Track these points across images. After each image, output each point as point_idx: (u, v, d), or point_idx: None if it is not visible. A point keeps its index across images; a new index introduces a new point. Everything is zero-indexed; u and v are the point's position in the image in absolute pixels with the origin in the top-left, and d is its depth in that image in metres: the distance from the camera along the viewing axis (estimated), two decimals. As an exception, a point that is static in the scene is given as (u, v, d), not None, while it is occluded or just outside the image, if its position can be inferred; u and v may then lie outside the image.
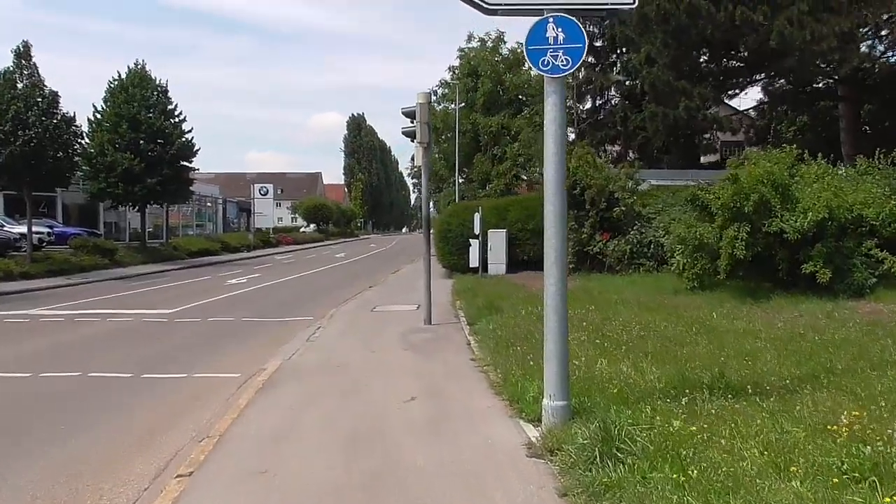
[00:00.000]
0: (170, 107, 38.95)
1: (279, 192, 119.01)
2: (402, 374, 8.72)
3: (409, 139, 11.90)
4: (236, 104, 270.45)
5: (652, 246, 18.05)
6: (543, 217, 5.81)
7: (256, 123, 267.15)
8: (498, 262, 21.66)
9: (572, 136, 44.44)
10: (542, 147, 5.80)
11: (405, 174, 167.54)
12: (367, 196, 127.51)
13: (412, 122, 11.74)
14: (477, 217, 20.25)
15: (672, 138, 25.35)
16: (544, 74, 5.71)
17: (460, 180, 47.85)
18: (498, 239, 21.68)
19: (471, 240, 21.46)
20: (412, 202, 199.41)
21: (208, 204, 64.25)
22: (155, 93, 38.58)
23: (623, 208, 18.29)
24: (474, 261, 20.72)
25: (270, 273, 30.72)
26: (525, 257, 22.32)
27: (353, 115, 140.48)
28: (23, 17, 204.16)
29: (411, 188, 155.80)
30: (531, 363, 7.87)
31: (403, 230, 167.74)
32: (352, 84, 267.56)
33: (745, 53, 19.75)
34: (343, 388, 8.15)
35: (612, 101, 41.57)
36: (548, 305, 5.79)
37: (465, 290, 16.75)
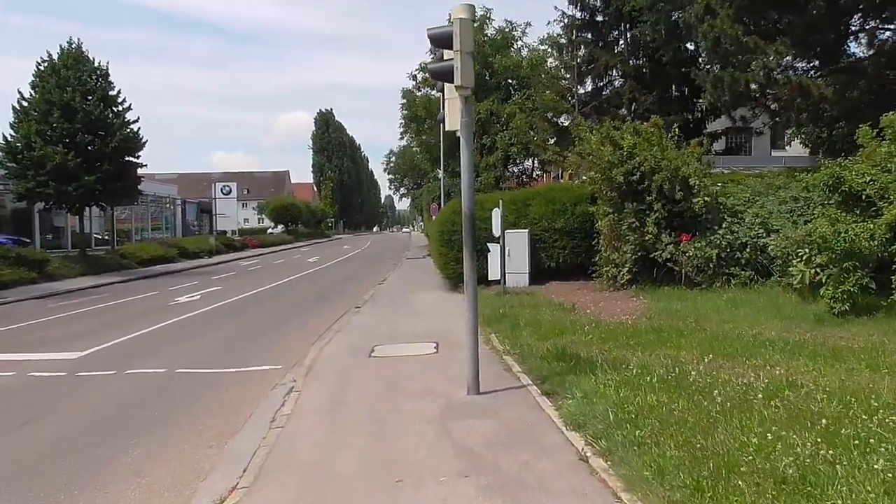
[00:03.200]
0: (111, 93, 33.65)
1: (245, 191, 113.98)
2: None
3: (435, 89, 7.19)
4: (202, 105, 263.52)
5: (748, 250, 13.42)
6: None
7: (223, 125, 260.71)
8: (518, 270, 16.94)
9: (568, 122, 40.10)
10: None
11: (376, 173, 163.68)
12: (337, 195, 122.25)
13: (442, 57, 6.98)
14: (497, 214, 15.51)
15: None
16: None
17: (442, 174, 42.94)
18: (518, 242, 16.94)
19: (489, 244, 16.75)
20: (383, 200, 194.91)
21: (166, 205, 58.57)
22: (93, 77, 33.22)
23: (706, 199, 13.65)
24: (494, 272, 16.03)
25: (231, 285, 25.66)
26: (552, 264, 17.63)
27: (321, 110, 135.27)
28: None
29: (386, 185, 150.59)
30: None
31: (375, 229, 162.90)
32: (318, 84, 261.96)
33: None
34: None
35: (615, 83, 37.30)
36: None
37: (496, 317, 11.98)
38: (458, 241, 17.95)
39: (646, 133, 14.43)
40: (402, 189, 76.47)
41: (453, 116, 7.17)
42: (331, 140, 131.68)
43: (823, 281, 10.14)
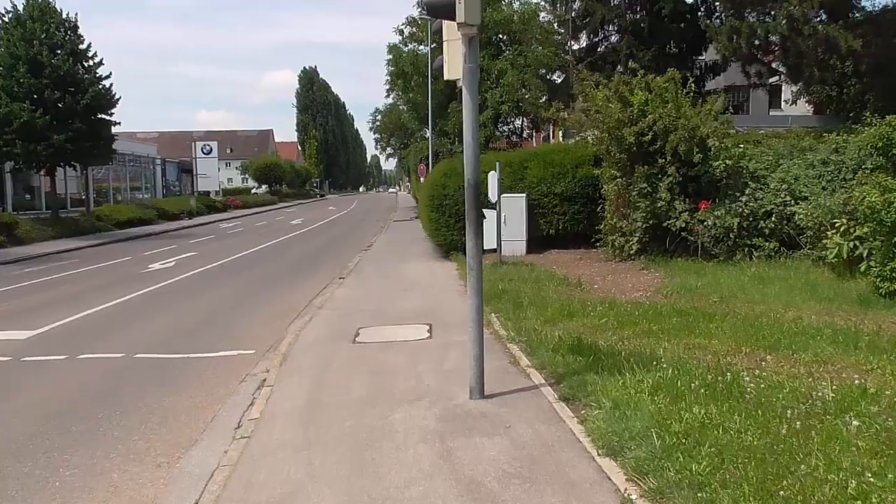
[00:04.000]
0: (81, 47, 31.80)
1: (228, 151, 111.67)
2: None
3: (432, 26, 5.80)
4: (185, 64, 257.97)
5: (773, 219, 12.20)
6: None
7: (206, 83, 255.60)
8: (515, 238, 15.71)
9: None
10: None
11: (362, 132, 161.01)
12: (322, 154, 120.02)
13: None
14: (493, 178, 14.19)
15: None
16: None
17: (430, 133, 41.36)
18: (515, 207, 15.68)
19: (484, 210, 15.49)
20: (369, 160, 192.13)
21: (145, 165, 56.65)
22: (61, 29, 31.35)
23: (728, 162, 12.36)
24: (491, 241, 14.79)
25: (209, 250, 24.32)
26: (551, 231, 16.41)
27: (305, 68, 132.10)
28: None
29: (372, 144, 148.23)
30: None
31: (361, 189, 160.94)
32: (302, 41, 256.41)
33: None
34: None
35: (611, 38, 35.72)
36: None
37: (494, 293, 10.76)
38: (449, 207, 16.73)
39: (658, 89, 13.09)
40: (388, 149, 74.50)
41: (454, 62, 5.86)
42: (315, 98, 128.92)
43: (864, 255, 9.01)
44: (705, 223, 12.16)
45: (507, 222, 15.43)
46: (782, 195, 12.21)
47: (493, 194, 14.45)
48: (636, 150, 12.72)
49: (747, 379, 5.49)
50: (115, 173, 51.78)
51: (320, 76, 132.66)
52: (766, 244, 12.08)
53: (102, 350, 9.53)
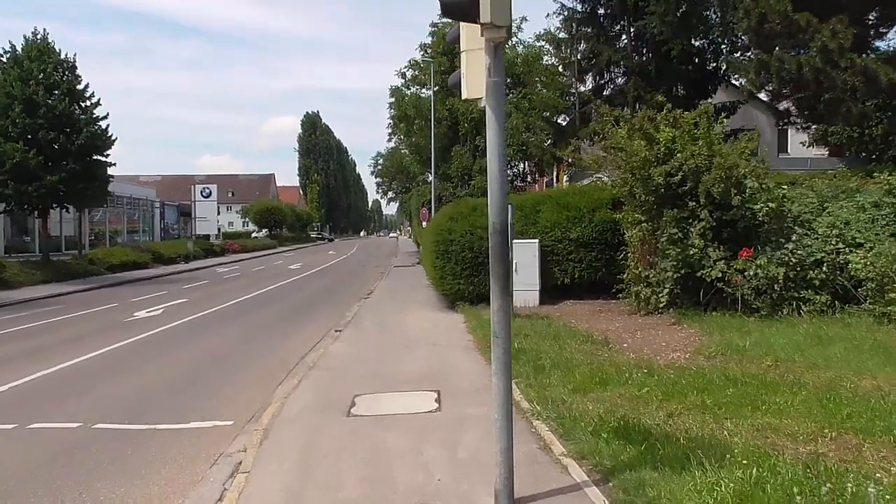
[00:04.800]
0: (78, 87, 31.04)
1: (230, 194, 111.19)
2: None
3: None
4: (189, 109, 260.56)
5: (823, 268, 10.97)
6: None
7: (210, 128, 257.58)
8: (527, 287, 14.43)
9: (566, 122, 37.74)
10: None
11: (363, 177, 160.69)
12: (323, 198, 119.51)
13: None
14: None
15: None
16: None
17: (433, 177, 40.32)
18: (527, 253, 14.43)
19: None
20: (370, 204, 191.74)
21: (143, 208, 55.67)
22: (59, 70, 30.63)
23: (770, 205, 11.12)
24: (502, 290, 13.63)
25: (200, 297, 23.05)
26: (565, 279, 15.13)
27: (307, 112, 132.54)
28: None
29: (374, 189, 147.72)
30: None
31: (361, 233, 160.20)
32: (305, 87, 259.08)
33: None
34: None
35: (617, 80, 35.00)
36: None
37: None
38: (455, 253, 15.51)
39: (686, 125, 11.95)
40: (390, 193, 73.64)
41: (474, 76, 4.66)
42: (317, 143, 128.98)
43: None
44: (746, 273, 10.88)
45: (518, 270, 14.20)
46: (833, 241, 10.93)
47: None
48: (664, 191, 11.53)
49: (873, 491, 4.13)
50: (114, 216, 50.84)
51: (322, 121, 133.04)
52: (817, 297, 10.68)
53: (59, 418, 8.21)
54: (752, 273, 10.76)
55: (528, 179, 46.50)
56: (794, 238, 10.99)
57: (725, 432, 5.82)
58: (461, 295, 15.67)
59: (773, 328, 9.91)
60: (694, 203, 11.37)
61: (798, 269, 10.70)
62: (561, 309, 14.38)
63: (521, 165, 45.28)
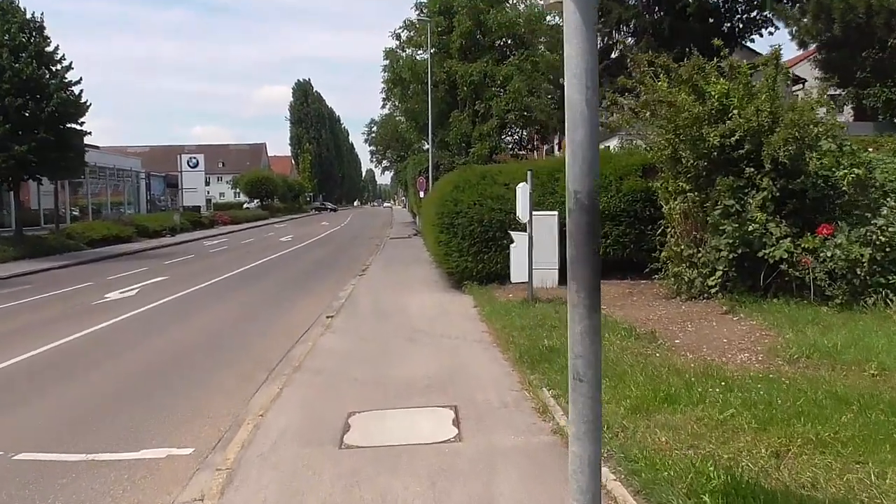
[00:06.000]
0: (47, 49, 28.82)
1: (220, 165, 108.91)
2: None
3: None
4: (180, 79, 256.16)
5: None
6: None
7: (201, 98, 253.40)
8: (546, 265, 12.59)
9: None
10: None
11: (356, 146, 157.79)
12: (316, 168, 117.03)
13: None
14: (524, 192, 11.13)
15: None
16: None
17: (430, 144, 38.36)
18: (544, 228, 12.56)
19: (512, 233, 12.48)
20: (364, 174, 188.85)
21: (127, 179, 53.48)
22: (25, 30, 28.36)
23: (857, 172, 9.17)
24: (520, 271, 11.74)
25: (182, 274, 21.28)
26: (589, 257, 13.35)
27: (298, 80, 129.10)
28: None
29: (367, 158, 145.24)
30: None
31: (355, 203, 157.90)
32: (296, 57, 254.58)
33: None
34: None
35: (627, 41, 32.96)
36: None
37: (538, 351, 7.70)
38: (462, 227, 13.72)
39: (743, 76, 10.04)
40: (384, 162, 71.60)
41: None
42: (309, 111, 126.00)
43: None
44: (819, 254, 9.05)
45: (535, 246, 12.38)
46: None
47: (522, 212, 11.39)
48: (716, 155, 9.67)
49: None
50: (98, 188, 48.76)
51: (314, 89, 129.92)
52: (912, 284, 8.90)
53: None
54: (828, 254, 8.95)
55: (529, 147, 44.60)
56: (884, 212, 9.13)
57: (873, 488, 4.09)
58: (468, 274, 13.89)
59: (861, 322, 8.10)
60: (752, 169, 9.51)
61: (887, 249, 8.89)
62: (585, 291, 12.63)
63: (521, 132, 43.42)
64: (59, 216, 39.56)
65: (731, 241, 9.40)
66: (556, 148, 43.15)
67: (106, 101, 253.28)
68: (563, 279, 13.10)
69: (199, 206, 59.19)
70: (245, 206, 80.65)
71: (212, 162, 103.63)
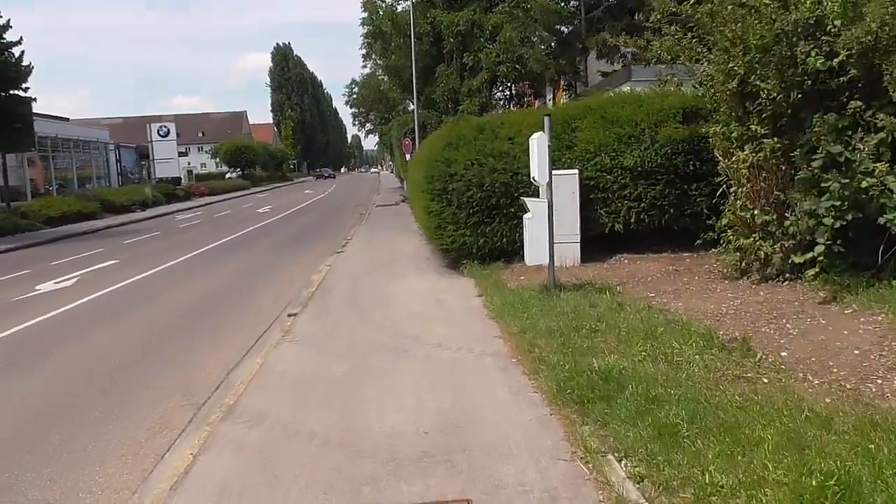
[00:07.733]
0: (-18, 6, 25.70)
1: (200, 135, 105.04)
2: None
3: None
4: (161, 51, 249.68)
5: None
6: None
7: (182, 70, 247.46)
8: (565, 238, 9.91)
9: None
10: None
11: (340, 112, 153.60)
12: (298, 135, 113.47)
13: None
14: (539, 144, 8.45)
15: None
16: None
17: (415, 104, 35.32)
18: (562, 190, 9.88)
19: (525, 199, 9.84)
20: (349, 140, 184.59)
21: (94, 151, 50.30)
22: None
23: None
24: (538, 250, 9.13)
25: (139, 254, 18.69)
26: (616, 226, 10.66)
27: (277, 44, 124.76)
28: None
29: (351, 122, 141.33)
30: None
31: (342, 170, 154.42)
32: (277, 21, 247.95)
33: None
34: None
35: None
36: None
37: (586, 379, 5.13)
38: (458, 193, 11.03)
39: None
40: (367, 125, 68.42)
41: None
42: (290, 76, 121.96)
43: None
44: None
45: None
46: None
47: (539, 172, 8.68)
48: (811, 85, 7.00)
49: None
50: (65, 162, 45.68)
51: (295, 53, 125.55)
52: None
53: None
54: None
55: (521, 103, 41.59)
56: None
57: None
58: (467, 251, 11.23)
59: None
60: (860, 103, 6.85)
61: None
62: (617, 270, 9.98)
63: (512, 88, 40.44)
64: (19, 193, 36.67)
65: (837, 203, 6.75)
66: (550, 102, 40.16)
67: (80, 73, 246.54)
68: (586, 254, 10.52)
69: (179, 178, 56.17)
70: (227, 176, 77.54)
71: (191, 132, 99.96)
